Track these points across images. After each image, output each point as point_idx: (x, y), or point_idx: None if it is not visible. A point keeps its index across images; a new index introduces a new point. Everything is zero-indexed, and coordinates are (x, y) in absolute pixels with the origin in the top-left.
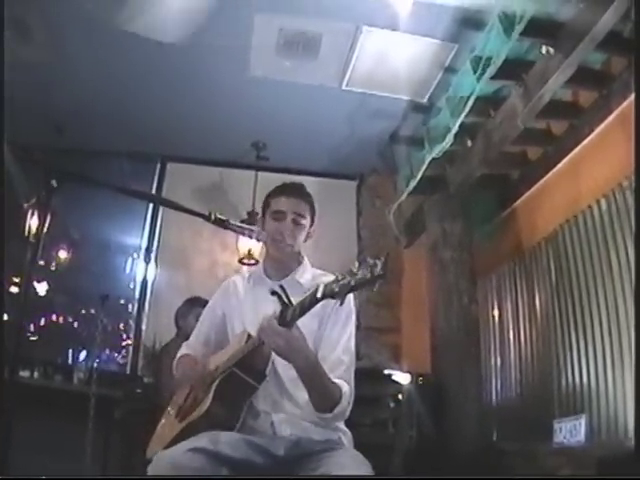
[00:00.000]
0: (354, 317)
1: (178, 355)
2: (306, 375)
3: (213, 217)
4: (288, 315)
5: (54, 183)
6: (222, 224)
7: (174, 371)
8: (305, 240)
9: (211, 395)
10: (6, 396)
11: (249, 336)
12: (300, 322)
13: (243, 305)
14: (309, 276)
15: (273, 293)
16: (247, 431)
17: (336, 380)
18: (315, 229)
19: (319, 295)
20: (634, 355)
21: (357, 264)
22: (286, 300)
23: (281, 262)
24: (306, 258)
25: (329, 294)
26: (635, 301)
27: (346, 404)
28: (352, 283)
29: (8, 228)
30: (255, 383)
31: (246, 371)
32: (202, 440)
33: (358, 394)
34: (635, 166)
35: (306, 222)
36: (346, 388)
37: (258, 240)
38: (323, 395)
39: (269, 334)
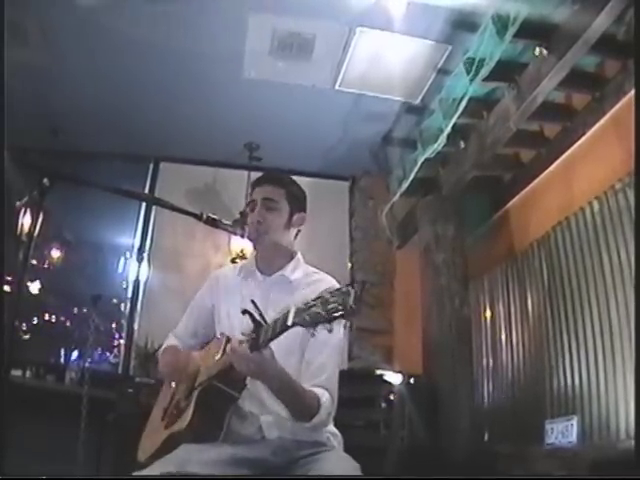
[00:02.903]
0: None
1: (165, 345)
2: (279, 393)
3: (205, 216)
4: (260, 337)
5: (46, 182)
6: (213, 223)
7: (159, 361)
8: (288, 227)
9: (192, 408)
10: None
11: (228, 340)
12: None
13: (230, 298)
14: (300, 274)
15: (244, 312)
16: (234, 437)
17: (316, 389)
18: (304, 218)
19: (289, 322)
20: (634, 358)
21: (335, 288)
22: (259, 318)
23: (266, 254)
24: (299, 254)
25: (299, 322)
26: (635, 304)
27: (325, 415)
28: (323, 315)
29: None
30: (235, 393)
31: (226, 382)
32: (170, 464)
33: (350, 395)
34: (635, 166)
35: (279, 206)
36: (325, 398)
37: (249, 239)
38: (299, 408)
39: (239, 359)
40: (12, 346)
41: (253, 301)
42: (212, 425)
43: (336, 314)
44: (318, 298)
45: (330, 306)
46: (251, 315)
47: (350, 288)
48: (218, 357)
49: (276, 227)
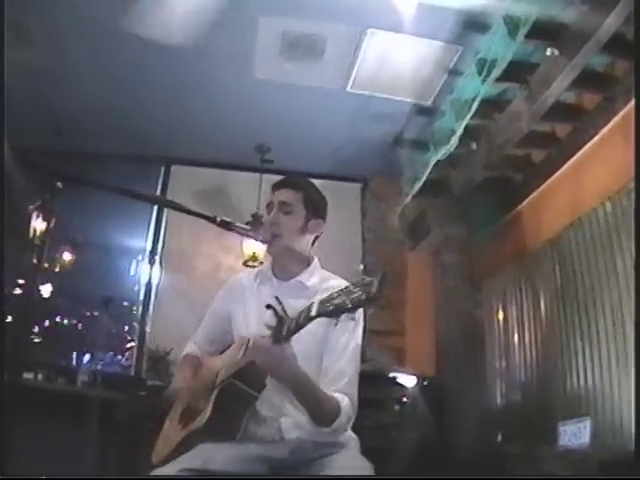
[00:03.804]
0: (362, 323)
1: (183, 352)
2: (298, 394)
3: (219, 219)
4: (283, 330)
5: (59, 185)
6: (227, 226)
7: (175, 375)
8: (304, 232)
9: (210, 406)
10: (10, 399)
11: (248, 342)
12: (307, 327)
13: (248, 304)
14: (317, 279)
15: (268, 306)
16: (252, 438)
17: (336, 394)
18: (319, 224)
19: (313, 313)
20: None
21: (357, 280)
22: (282, 313)
23: (281, 259)
24: (316, 259)
25: (323, 313)
26: (635, 305)
27: (345, 420)
28: (347, 304)
29: (11, 230)
30: (255, 393)
31: (245, 381)
32: (195, 460)
33: (363, 397)
34: (635, 169)
35: (295, 210)
36: (345, 403)
37: (263, 242)
38: (318, 412)
39: (260, 351)
40: (23, 349)
41: (277, 297)
42: (230, 424)
43: (360, 302)
44: (341, 290)
45: (353, 295)
46: (274, 309)
47: (373, 279)
48: (239, 356)
49: (290, 231)
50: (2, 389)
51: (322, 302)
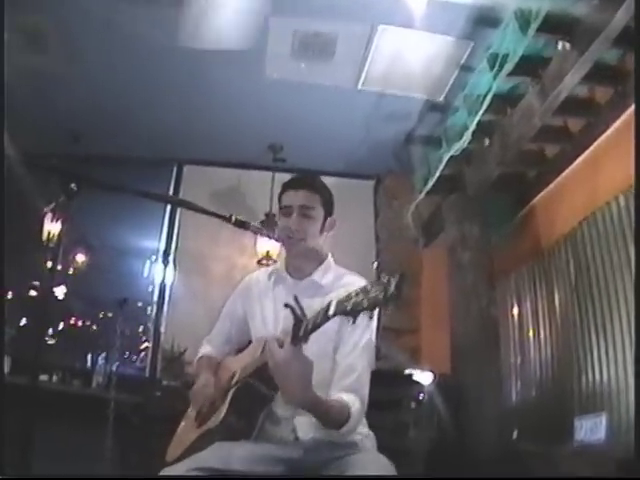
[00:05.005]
0: (376, 319)
1: (199, 354)
2: (302, 406)
3: (234, 219)
4: (301, 331)
5: (74, 187)
6: (243, 226)
7: (194, 371)
8: (321, 232)
9: (226, 405)
10: (27, 401)
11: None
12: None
13: (264, 304)
14: (331, 277)
15: (286, 306)
16: (267, 438)
17: (345, 396)
18: (335, 222)
19: (331, 313)
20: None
21: (374, 279)
22: (299, 313)
23: (297, 259)
24: (330, 256)
25: (341, 312)
26: (635, 305)
27: (354, 423)
28: (365, 303)
29: (25, 233)
30: (271, 393)
31: (262, 381)
32: (211, 459)
33: (378, 396)
34: (635, 171)
35: (316, 213)
36: (355, 408)
37: (277, 240)
38: (325, 420)
39: (275, 360)
40: (39, 351)
41: (295, 296)
42: (245, 423)
43: (377, 301)
44: (359, 289)
45: (371, 295)
46: (292, 309)
47: (391, 278)
48: (256, 356)
49: (312, 234)
50: (2, 389)
51: (340, 301)
